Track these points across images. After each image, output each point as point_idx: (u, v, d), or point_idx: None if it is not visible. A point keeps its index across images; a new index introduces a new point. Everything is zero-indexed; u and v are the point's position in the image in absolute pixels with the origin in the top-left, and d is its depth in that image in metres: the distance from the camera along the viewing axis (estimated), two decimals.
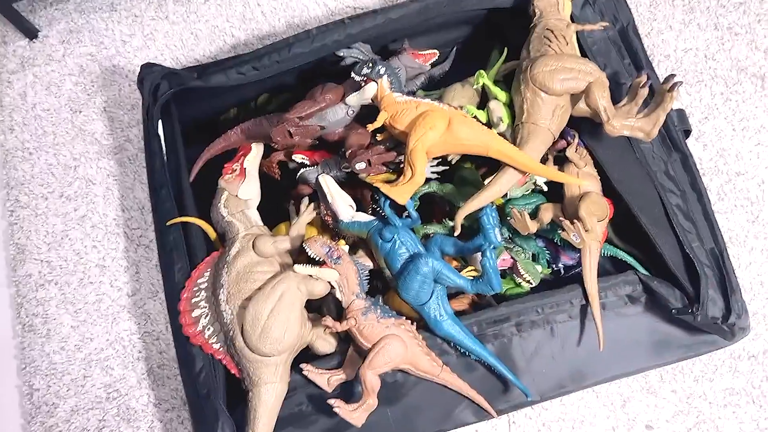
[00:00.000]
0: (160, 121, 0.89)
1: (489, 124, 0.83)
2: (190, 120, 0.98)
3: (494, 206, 0.77)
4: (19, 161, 1.10)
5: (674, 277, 0.76)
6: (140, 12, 1.18)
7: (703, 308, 0.73)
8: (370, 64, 0.80)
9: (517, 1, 0.90)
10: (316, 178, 0.82)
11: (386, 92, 0.79)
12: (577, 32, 0.88)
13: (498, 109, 0.82)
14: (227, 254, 0.79)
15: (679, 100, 0.97)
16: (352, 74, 0.81)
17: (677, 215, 0.78)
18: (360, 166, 0.79)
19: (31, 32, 1.17)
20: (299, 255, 0.81)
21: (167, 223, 0.82)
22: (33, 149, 1.11)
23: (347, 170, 0.84)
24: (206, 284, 0.79)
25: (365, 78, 0.80)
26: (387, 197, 0.77)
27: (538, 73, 0.76)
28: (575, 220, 0.74)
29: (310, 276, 0.74)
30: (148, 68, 0.91)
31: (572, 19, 0.89)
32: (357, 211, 0.82)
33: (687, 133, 0.88)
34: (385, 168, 0.80)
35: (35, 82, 1.15)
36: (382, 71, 0.79)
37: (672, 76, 0.74)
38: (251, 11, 1.16)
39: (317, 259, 0.74)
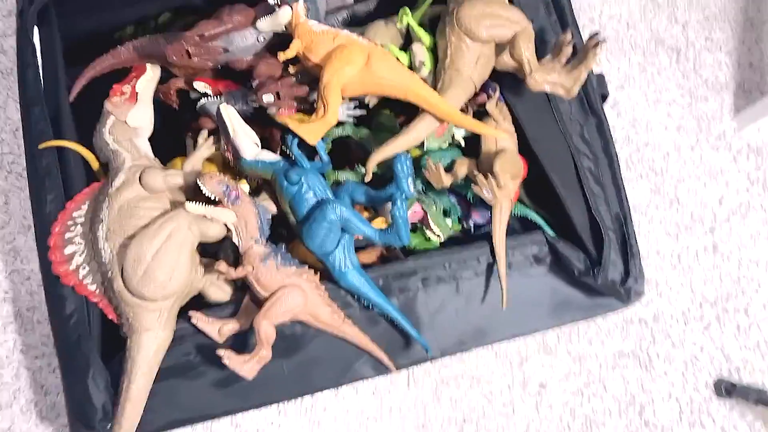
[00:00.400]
0: (36, 29, 0.77)
1: (410, 68, 0.78)
2: (79, 35, 0.86)
3: (409, 155, 0.73)
4: None
5: (579, 240, 0.76)
6: None
7: (604, 270, 0.74)
8: None
9: None
10: (218, 109, 0.74)
11: (301, 19, 0.71)
12: None
13: (421, 52, 0.77)
14: (110, 186, 0.70)
15: (599, 65, 0.97)
16: None
17: (588, 179, 0.78)
18: (267, 98, 0.72)
19: None
20: (195, 194, 0.74)
21: (39, 146, 0.72)
22: None
23: (254, 104, 0.77)
24: (84, 218, 0.70)
25: (279, 2, 0.72)
26: (296, 136, 0.71)
27: (465, 16, 0.71)
28: (489, 175, 0.72)
29: (204, 216, 0.67)
30: None
31: None
32: (263, 149, 0.75)
33: (603, 98, 0.88)
34: (295, 104, 0.73)
35: None
36: None
37: (596, 34, 0.72)
38: None
39: (213, 198, 0.68)
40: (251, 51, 0.78)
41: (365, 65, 0.68)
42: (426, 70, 0.77)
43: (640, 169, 0.95)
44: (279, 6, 0.73)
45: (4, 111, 0.92)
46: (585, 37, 0.97)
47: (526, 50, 0.70)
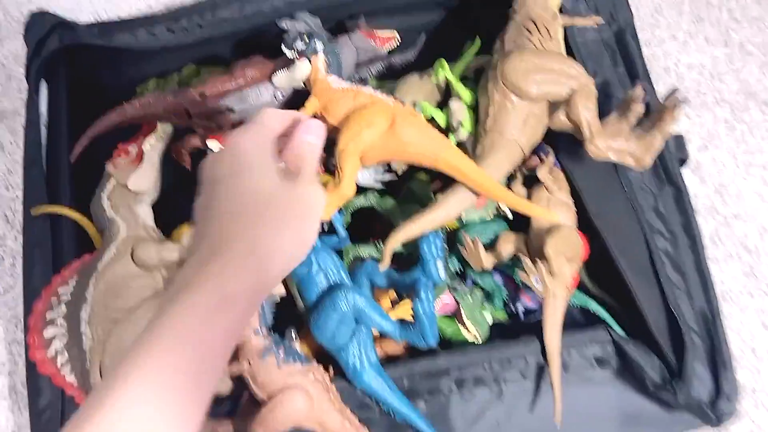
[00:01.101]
0: (44, 84, 0.72)
1: (447, 129, 0.67)
2: (93, 89, 0.81)
3: (440, 233, 0.61)
4: None
5: (654, 341, 0.62)
6: None
7: (686, 385, 0.59)
8: (306, 38, 0.63)
9: None
10: None
11: (320, 74, 0.62)
12: (565, 28, 0.73)
13: (460, 111, 0.66)
14: (99, 260, 0.62)
15: (677, 124, 0.83)
16: (283, 47, 0.65)
17: (665, 264, 0.63)
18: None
19: None
20: None
21: (32, 212, 0.65)
22: None
23: None
24: (69, 296, 0.62)
25: (299, 54, 0.64)
26: None
27: (511, 70, 0.60)
28: (539, 260, 0.59)
29: None
30: (38, 17, 0.74)
31: (561, 12, 0.74)
32: None
33: (682, 162, 0.74)
34: None
35: None
36: (318, 48, 0.63)
37: (676, 91, 0.59)
38: None
39: None
40: None
41: (389, 129, 0.57)
42: (465, 132, 0.65)
43: (730, 246, 0.79)
44: (298, 58, 0.64)
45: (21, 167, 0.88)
46: (660, 91, 0.83)
47: (586, 111, 0.58)
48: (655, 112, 0.60)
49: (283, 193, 0.35)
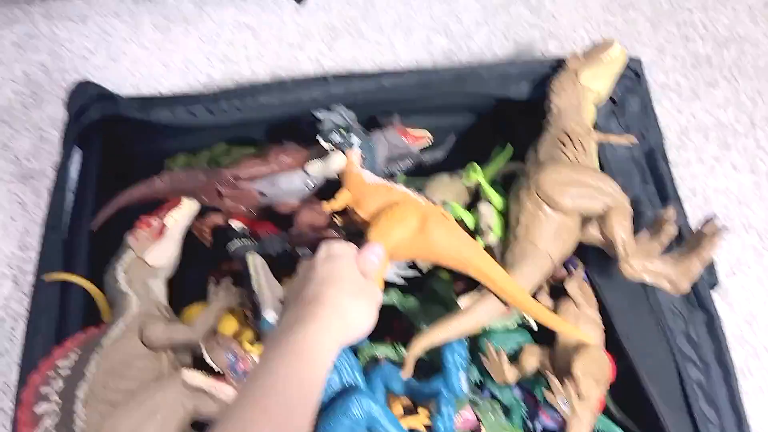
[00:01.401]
0: (78, 150, 0.72)
1: (474, 232, 0.66)
2: (125, 159, 0.82)
3: (465, 342, 0.58)
4: None
5: None
6: (112, 30, 1.04)
7: None
8: (343, 131, 0.64)
9: (533, 94, 0.77)
10: (245, 255, 0.64)
11: (354, 168, 0.62)
12: (599, 143, 0.74)
13: (489, 214, 0.65)
14: (105, 335, 0.59)
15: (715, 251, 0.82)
16: (319, 138, 0.65)
17: (697, 396, 0.60)
18: (302, 251, 0.61)
19: None
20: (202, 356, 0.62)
21: (44, 278, 0.63)
22: None
23: (289, 253, 0.66)
24: (68, 372, 0.59)
25: (334, 146, 0.64)
26: None
27: (546, 181, 0.60)
28: (566, 380, 0.56)
29: (202, 390, 0.54)
30: (82, 86, 0.76)
31: (595, 128, 0.75)
32: None
33: (711, 286, 0.72)
34: None
35: None
36: (354, 142, 0.63)
37: (713, 218, 0.58)
38: (235, 52, 1.02)
39: (216, 370, 0.55)
40: (297, 195, 0.69)
41: (420, 228, 0.56)
42: (493, 237, 0.64)
43: (760, 380, 0.75)
44: (333, 150, 0.65)
45: (40, 227, 0.87)
46: (688, 210, 0.83)
47: (621, 230, 0.57)
48: (692, 238, 0.59)
49: (360, 278, 0.46)
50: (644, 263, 0.57)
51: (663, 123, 0.92)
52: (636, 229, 0.67)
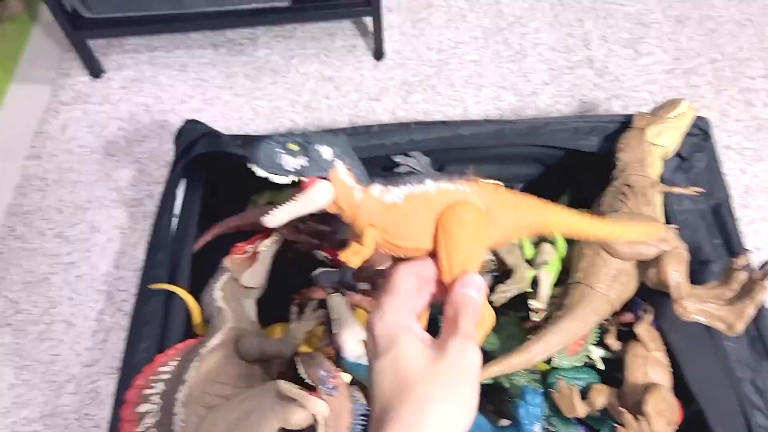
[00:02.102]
0: (183, 180, 0.81)
1: (531, 261, 0.70)
2: (224, 193, 0.90)
3: (541, 394, 0.61)
4: (33, 190, 1.02)
5: None
6: (208, 77, 1.15)
7: None
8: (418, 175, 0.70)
9: (602, 147, 0.81)
10: (329, 294, 0.69)
11: (355, 189, 0.42)
12: (666, 196, 0.78)
13: (549, 252, 0.69)
14: (204, 345, 0.65)
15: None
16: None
17: None
18: (363, 286, 0.66)
19: (96, 71, 1.15)
20: (288, 370, 0.67)
21: (151, 286, 0.70)
22: (51, 181, 1.03)
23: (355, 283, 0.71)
24: (169, 376, 0.64)
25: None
26: None
27: None
28: (639, 417, 0.58)
29: (293, 400, 0.59)
30: (192, 123, 0.85)
31: (662, 181, 0.79)
32: None
33: None
34: None
35: (81, 119, 1.10)
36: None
37: (746, 259, 0.61)
38: (317, 101, 1.11)
39: (308, 381, 0.60)
40: None
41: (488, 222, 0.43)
42: (546, 274, 0.68)
43: None
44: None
45: (134, 250, 0.95)
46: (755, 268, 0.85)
47: (675, 273, 0.60)
48: (747, 282, 0.61)
49: (432, 367, 0.34)
50: (698, 305, 0.60)
51: (726, 183, 0.95)
52: (704, 280, 0.69)
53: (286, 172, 0.41)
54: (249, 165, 0.40)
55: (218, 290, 0.70)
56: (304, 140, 0.41)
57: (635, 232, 0.53)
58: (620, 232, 0.51)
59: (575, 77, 1.10)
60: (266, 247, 0.76)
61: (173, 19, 1.05)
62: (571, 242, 0.72)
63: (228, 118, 1.10)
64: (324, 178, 0.41)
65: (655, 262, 0.62)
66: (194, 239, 0.77)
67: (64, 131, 1.09)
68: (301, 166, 0.41)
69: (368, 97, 1.10)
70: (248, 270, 0.72)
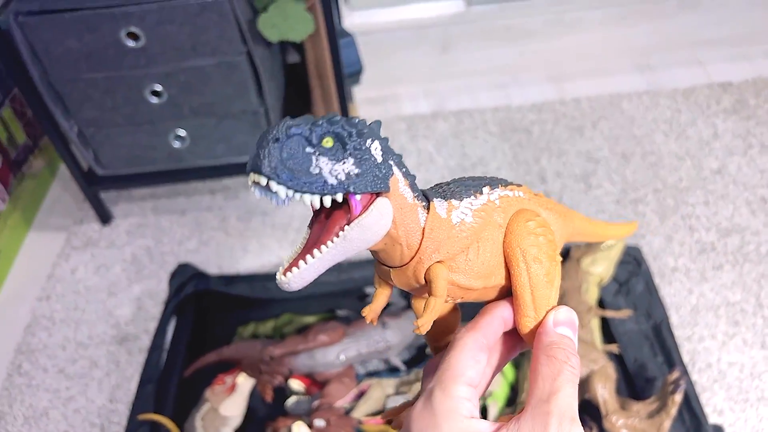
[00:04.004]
0: (174, 317, 0.90)
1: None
2: (213, 325, 0.99)
3: None
4: (41, 329, 1.12)
5: None
6: (205, 220, 1.28)
7: None
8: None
9: None
10: (299, 412, 0.76)
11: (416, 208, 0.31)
12: (607, 320, 0.86)
13: (494, 382, 0.76)
14: None
15: (721, 415, 0.88)
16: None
17: None
18: (319, 423, 0.72)
19: (106, 218, 1.28)
20: None
21: (139, 417, 0.77)
22: (58, 320, 1.13)
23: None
24: None
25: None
26: None
27: None
28: None
29: None
30: (183, 267, 0.96)
31: (602, 306, 0.88)
32: None
33: None
34: None
35: (89, 261, 1.22)
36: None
37: (678, 377, 0.68)
38: (301, 239, 1.23)
39: None
40: (330, 367, 0.82)
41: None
42: (496, 408, 0.75)
43: None
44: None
45: (129, 384, 1.02)
46: (704, 381, 0.91)
47: (602, 390, 0.68)
48: (662, 394, 0.68)
49: None
50: (623, 419, 0.66)
51: (675, 302, 1.04)
52: (647, 394, 0.76)
53: (328, 188, 0.25)
54: (253, 183, 0.25)
55: (199, 419, 0.77)
56: (342, 128, 0.26)
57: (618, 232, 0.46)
58: (618, 232, 0.46)
59: None
60: (245, 378, 0.83)
61: (175, 172, 1.20)
62: (518, 366, 0.79)
63: (221, 257, 1.21)
64: (378, 194, 0.27)
65: (586, 380, 0.70)
66: (181, 372, 0.85)
67: (73, 274, 1.20)
68: (351, 174, 0.26)
69: None
70: (227, 400, 0.79)
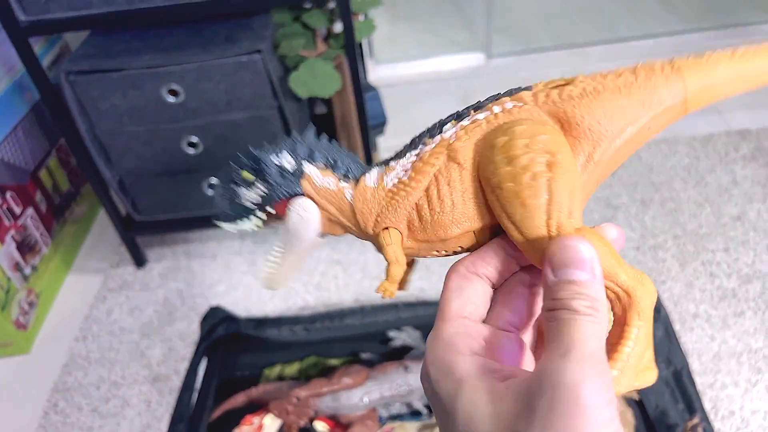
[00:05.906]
0: (205, 359, 0.94)
1: None
2: (241, 366, 1.02)
3: None
4: (77, 368, 1.16)
5: None
6: (234, 265, 1.33)
7: None
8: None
9: None
10: None
11: (343, 188, 0.32)
12: None
13: None
14: None
15: None
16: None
17: None
18: None
19: (140, 261, 1.34)
20: None
21: None
22: (93, 360, 1.17)
23: None
24: None
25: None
26: None
27: None
28: None
29: None
30: (214, 310, 1.00)
31: None
32: None
33: None
34: None
35: (124, 303, 1.28)
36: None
37: (696, 421, 0.69)
38: (326, 282, 1.27)
39: None
40: (355, 410, 0.85)
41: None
42: None
43: None
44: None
45: (159, 423, 1.05)
46: (727, 429, 0.91)
47: None
48: None
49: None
50: None
51: (697, 348, 1.04)
52: None
53: (247, 212, 0.31)
54: (216, 222, 0.32)
55: None
56: (259, 156, 0.30)
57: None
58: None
59: None
60: (271, 420, 0.86)
61: (207, 218, 1.26)
62: None
63: (249, 300, 1.25)
64: (298, 195, 0.31)
65: None
66: (210, 411, 0.88)
67: (109, 315, 1.26)
68: (263, 193, 0.30)
69: (371, 277, 1.26)
70: None
